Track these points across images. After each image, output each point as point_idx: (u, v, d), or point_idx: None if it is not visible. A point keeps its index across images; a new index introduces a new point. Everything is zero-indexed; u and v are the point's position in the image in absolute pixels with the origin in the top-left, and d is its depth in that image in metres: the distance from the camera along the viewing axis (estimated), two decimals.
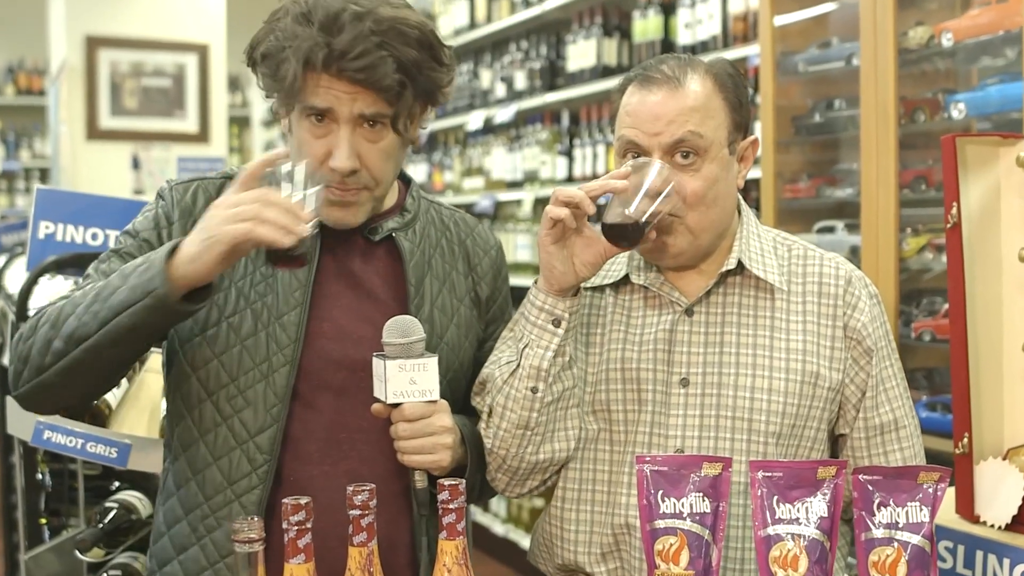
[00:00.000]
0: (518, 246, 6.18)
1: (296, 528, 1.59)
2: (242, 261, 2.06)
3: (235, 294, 2.06)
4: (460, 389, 2.13)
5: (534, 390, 2.04)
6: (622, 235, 1.95)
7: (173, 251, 1.85)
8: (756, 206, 4.21)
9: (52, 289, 3.21)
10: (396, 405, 1.95)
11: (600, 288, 2.18)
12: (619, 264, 2.18)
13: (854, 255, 3.65)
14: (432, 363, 1.95)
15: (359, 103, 1.97)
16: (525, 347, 2.04)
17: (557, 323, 2.03)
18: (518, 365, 2.05)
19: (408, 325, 1.95)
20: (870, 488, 1.74)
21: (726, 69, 2.09)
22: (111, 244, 3.17)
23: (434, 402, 1.96)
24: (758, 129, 4.09)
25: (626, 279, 2.16)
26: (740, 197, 2.18)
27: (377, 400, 1.97)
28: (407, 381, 1.93)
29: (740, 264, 2.11)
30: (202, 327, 2.05)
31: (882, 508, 1.73)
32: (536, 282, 2.06)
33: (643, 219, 1.94)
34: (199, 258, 1.82)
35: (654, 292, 2.13)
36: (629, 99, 2.07)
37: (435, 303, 2.10)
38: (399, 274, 2.14)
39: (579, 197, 1.93)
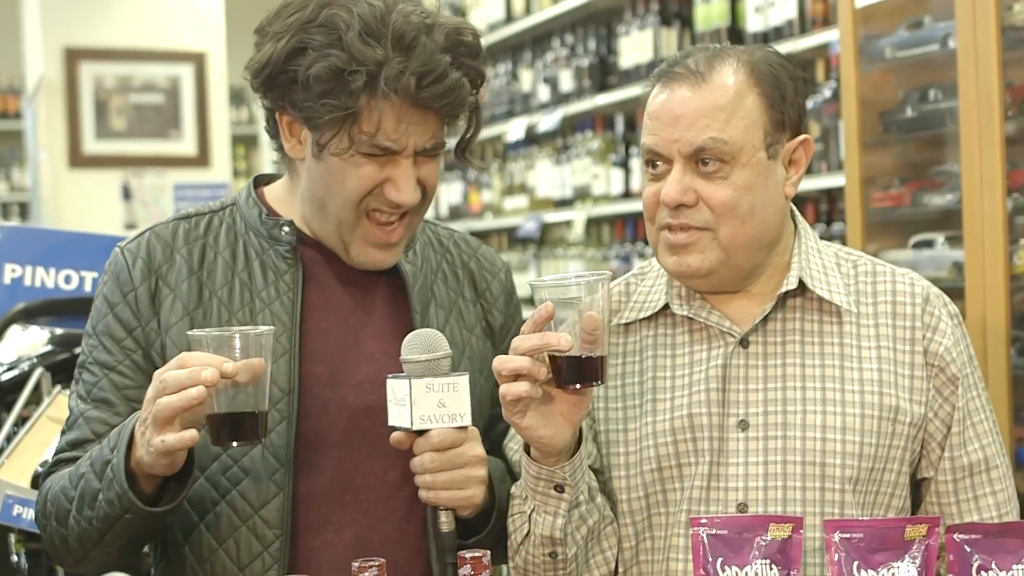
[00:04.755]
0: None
1: None
2: (214, 308, 2.10)
3: None
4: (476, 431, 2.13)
5: (552, 555, 2.06)
6: (576, 377, 1.92)
7: (130, 450, 1.94)
8: (842, 218, 4.19)
9: (25, 341, 3.24)
10: (422, 432, 1.96)
11: (634, 324, 2.19)
12: (656, 292, 2.19)
13: (958, 272, 3.62)
14: (463, 383, 1.96)
15: (426, 134, 2.03)
16: (532, 512, 2.05)
17: (560, 488, 2.02)
18: (528, 532, 2.06)
19: (433, 339, 1.98)
20: (967, 549, 1.73)
21: (766, 58, 2.10)
22: (87, 287, 3.24)
23: (465, 428, 1.98)
24: (841, 127, 4.08)
25: (665, 309, 2.17)
26: (795, 209, 2.18)
27: (396, 428, 1.98)
28: (435, 403, 1.95)
29: (800, 284, 2.11)
30: None
31: (983, 573, 1.72)
32: (528, 449, 2.04)
33: (597, 352, 1.92)
34: (155, 467, 1.91)
35: (700, 323, 2.13)
36: (652, 100, 2.10)
37: (443, 334, 2.11)
38: (399, 303, 2.18)
39: (525, 365, 1.90)
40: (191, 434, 1.84)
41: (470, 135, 2.13)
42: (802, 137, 2.13)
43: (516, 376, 1.91)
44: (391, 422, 1.98)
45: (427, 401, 1.94)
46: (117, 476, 1.92)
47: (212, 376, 1.82)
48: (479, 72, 2.06)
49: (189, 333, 1.92)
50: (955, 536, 1.74)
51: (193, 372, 1.82)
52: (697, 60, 2.07)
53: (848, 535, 1.76)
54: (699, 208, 2.04)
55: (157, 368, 2.08)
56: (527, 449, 2.03)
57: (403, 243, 2.14)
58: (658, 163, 2.07)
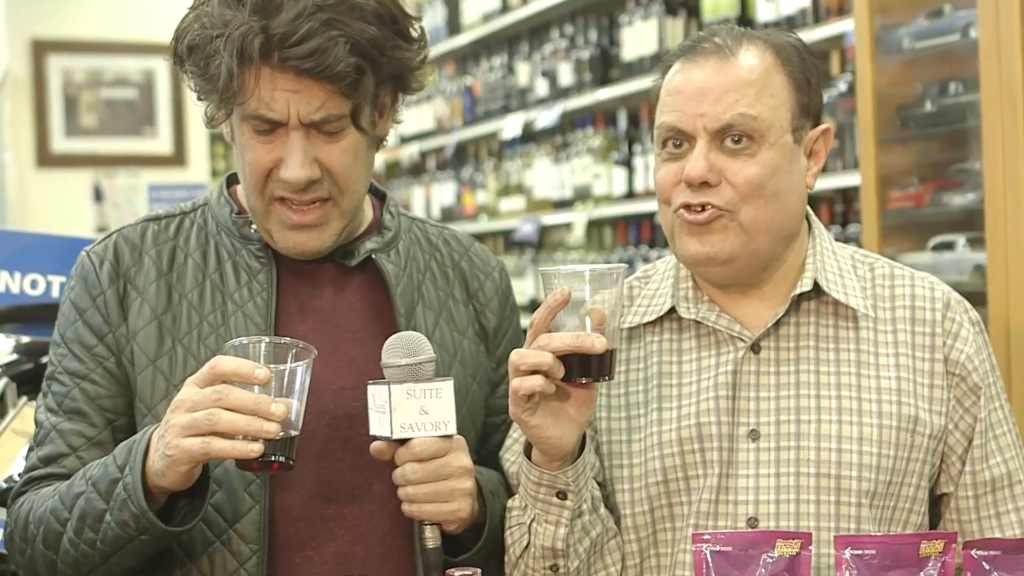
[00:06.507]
0: None
1: None
2: (184, 311, 2.12)
3: (182, 354, 2.10)
4: (469, 441, 2.12)
5: (554, 568, 2.08)
6: (584, 370, 1.94)
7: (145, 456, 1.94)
8: (858, 219, 4.21)
9: None
10: (403, 441, 1.97)
11: (638, 328, 2.20)
12: (662, 296, 2.20)
13: (980, 276, 3.63)
14: (447, 388, 1.97)
15: (311, 103, 2.00)
16: (532, 522, 2.06)
17: (563, 495, 2.04)
18: (528, 543, 2.07)
19: (414, 342, 1.99)
20: (986, 566, 1.75)
21: (790, 42, 2.13)
22: (54, 293, 3.24)
23: (449, 437, 1.99)
24: (856, 123, 4.09)
25: (671, 313, 2.18)
26: (810, 209, 2.20)
27: (376, 438, 1.99)
28: (417, 411, 1.95)
29: (815, 286, 2.13)
30: (149, 405, 2.10)
31: None
32: (528, 453, 2.05)
33: (611, 345, 1.94)
34: (166, 474, 1.91)
35: (709, 327, 2.15)
36: (673, 77, 2.11)
37: (432, 337, 2.12)
38: (383, 305, 2.18)
39: (547, 362, 1.91)
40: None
41: (360, 100, 2.05)
42: (824, 126, 2.16)
43: (534, 371, 1.92)
44: (372, 431, 1.99)
45: (408, 408, 1.94)
46: (133, 496, 1.92)
47: (281, 414, 1.87)
48: (367, 35, 2.00)
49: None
50: (973, 552, 1.75)
51: (261, 405, 1.85)
52: (723, 37, 2.10)
53: (860, 552, 1.78)
54: (721, 188, 2.05)
55: (128, 375, 2.10)
56: (528, 454, 2.04)
57: (331, 228, 2.11)
58: (680, 141, 2.08)
